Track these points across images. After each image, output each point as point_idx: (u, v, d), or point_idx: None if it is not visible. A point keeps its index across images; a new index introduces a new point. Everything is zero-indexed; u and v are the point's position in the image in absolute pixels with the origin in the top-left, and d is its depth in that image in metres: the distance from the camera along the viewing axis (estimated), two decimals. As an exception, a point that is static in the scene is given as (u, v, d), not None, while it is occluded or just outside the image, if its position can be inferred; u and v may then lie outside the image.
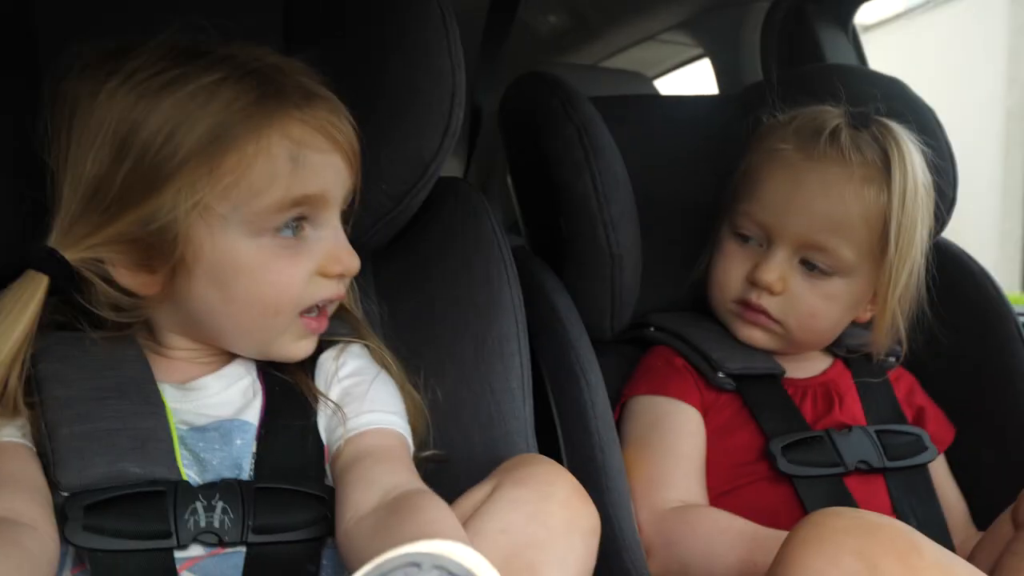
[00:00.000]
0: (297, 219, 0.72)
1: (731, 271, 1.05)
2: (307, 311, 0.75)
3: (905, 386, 1.10)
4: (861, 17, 1.71)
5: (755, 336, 1.05)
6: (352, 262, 0.75)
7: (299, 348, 0.77)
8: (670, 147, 1.29)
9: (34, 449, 0.69)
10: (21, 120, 0.76)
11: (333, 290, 0.76)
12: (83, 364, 0.72)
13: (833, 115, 1.02)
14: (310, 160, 0.71)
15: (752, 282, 1.02)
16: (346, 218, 0.79)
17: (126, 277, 0.71)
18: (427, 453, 0.84)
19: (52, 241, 0.70)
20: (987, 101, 5.10)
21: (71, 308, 0.75)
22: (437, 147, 0.88)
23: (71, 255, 0.70)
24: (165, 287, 0.72)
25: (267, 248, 0.71)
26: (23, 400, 0.69)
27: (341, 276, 0.76)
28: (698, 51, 2.05)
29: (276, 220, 0.70)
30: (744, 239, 1.05)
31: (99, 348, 0.73)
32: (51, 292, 0.70)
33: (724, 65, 1.90)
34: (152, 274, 0.71)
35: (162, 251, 0.69)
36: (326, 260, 0.74)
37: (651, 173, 1.18)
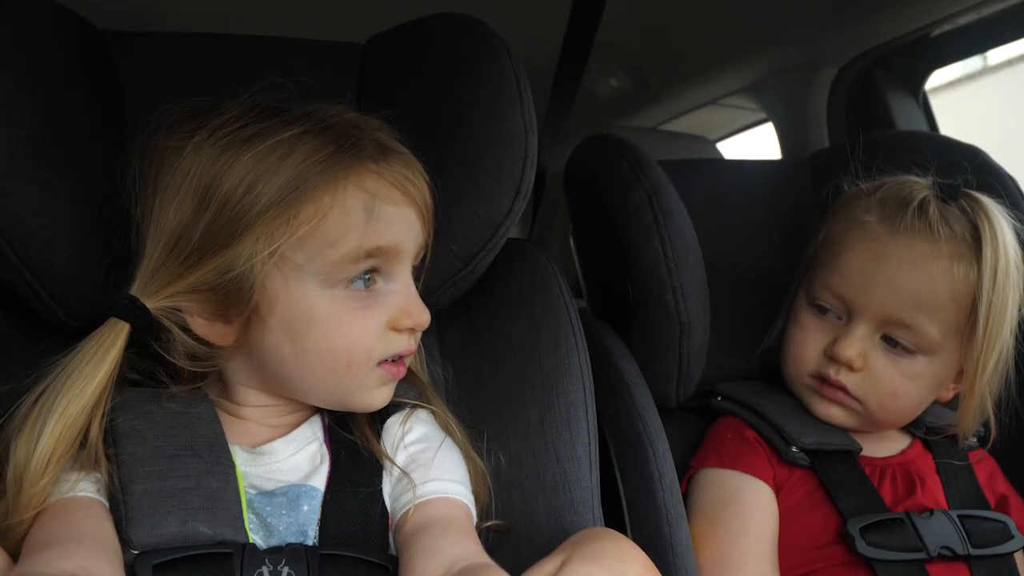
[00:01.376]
0: (369, 271, 0.73)
1: (808, 344, 1.01)
2: (385, 361, 0.75)
3: (987, 470, 1.05)
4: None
5: (833, 413, 1.01)
6: (423, 316, 0.76)
7: (378, 396, 0.77)
8: (733, 212, 1.27)
9: (107, 505, 0.68)
10: (109, 174, 0.78)
11: (404, 344, 0.76)
12: (158, 421, 0.72)
13: (920, 186, 0.99)
14: (384, 212, 0.72)
15: (831, 357, 0.99)
16: (417, 275, 0.79)
17: (203, 327, 0.73)
18: (488, 524, 0.81)
19: (134, 290, 0.72)
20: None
21: (148, 361, 0.76)
22: (508, 209, 0.88)
23: (151, 303, 0.71)
24: (240, 337, 0.73)
25: (340, 300, 0.71)
26: (103, 452, 0.69)
27: (412, 330, 0.76)
28: (761, 115, 2.04)
29: (349, 271, 0.71)
30: (822, 310, 1.01)
31: (174, 405, 0.74)
32: (131, 342, 0.72)
33: (788, 130, 1.89)
34: (228, 324, 0.72)
35: (238, 301, 0.70)
36: (397, 314, 0.74)
37: (714, 238, 1.17)
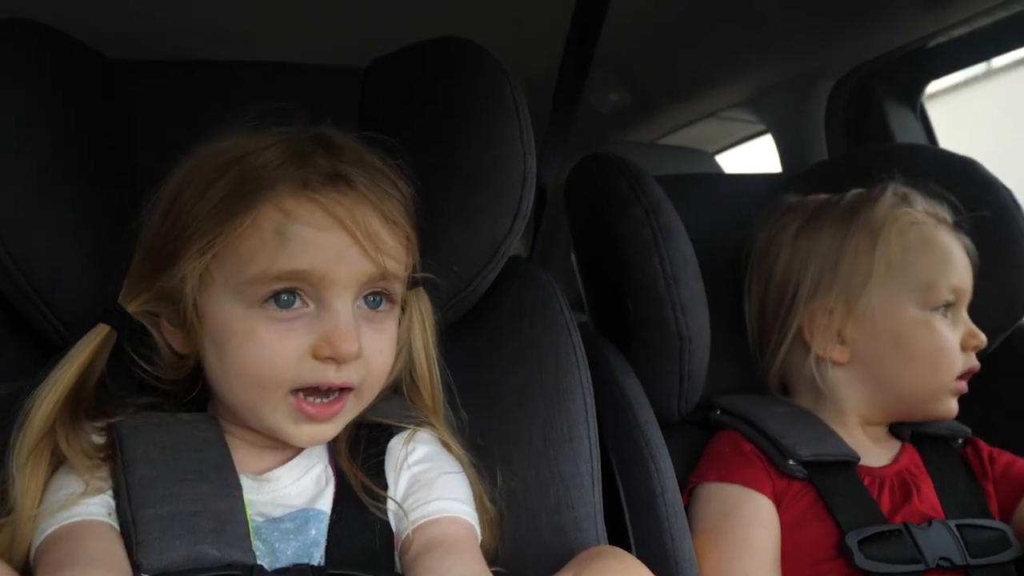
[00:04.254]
0: (289, 293, 0.71)
1: (954, 348, 1.03)
2: (302, 392, 0.73)
3: (983, 454, 1.07)
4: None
5: (955, 406, 1.05)
6: (345, 348, 0.70)
7: (300, 433, 0.74)
8: (732, 226, 1.28)
9: (118, 529, 0.70)
10: (118, 203, 0.81)
11: (321, 375, 0.71)
12: (167, 445, 0.73)
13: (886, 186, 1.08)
14: (299, 235, 0.70)
15: (968, 347, 1.03)
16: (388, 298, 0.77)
17: (168, 333, 0.76)
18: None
19: (120, 296, 0.76)
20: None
21: (155, 386, 0.78)
22: (508, 229, 0.89)
23: (131, 307, 0.75)
24: (193, 347, 0.75)
25: (257, 319, 0.71)
26: (109, 467, 0.72)
27: (331, 360, 0.71)
28: (760, 127, 2.05)
29: (261, 291, 0.70)
30: (947, 307, 1.04)
31: (183, 429, 0.75)
32: (120, 345, 0.76)
33: (787, 142, 1.89)
34: (184, 333, 0.75)
35: (183, 310, 0.73)
36: (318, 341, 0.71)
37: (713, 253, 1.18)
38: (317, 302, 0.72)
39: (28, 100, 0.81)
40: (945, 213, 1.06)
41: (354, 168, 0.74)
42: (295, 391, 0.72)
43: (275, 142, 0.73)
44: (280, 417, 0.73)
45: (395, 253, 0.75)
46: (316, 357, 0.71)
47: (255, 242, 0.70)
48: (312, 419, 0.73)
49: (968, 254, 1.06)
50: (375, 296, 0.75)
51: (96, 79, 0.92)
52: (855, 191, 1.10)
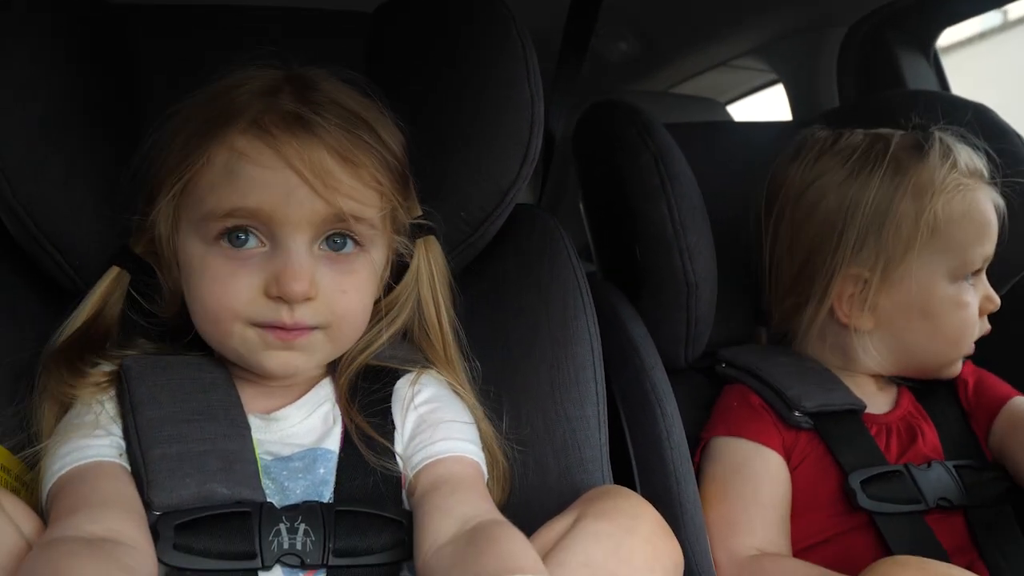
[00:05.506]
0: (242, 231, 0.71)
1: (974, 316, 1.02)
2: (264, 325, 0.72)
3: (960, 387, 1.08)
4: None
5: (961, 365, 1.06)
6: (292, 287, 0.70)
7: (272, 360, 0.73)
8: (742, 174, 1.27)
9: (128, 468, 0.71)
10: (123, 145, 0.82)
11: (272, 314, 0.71)
12: (173, 387, 0.74)
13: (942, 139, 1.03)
14: (245, 172, 0.70)
15: (983, 312, 1.03)
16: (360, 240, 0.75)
17: (166, 270, 0.78)
18: None
19: (131, 240, 0.80)
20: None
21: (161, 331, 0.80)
22: (515, 175, 0.89)
23: (137, 248, 0.79)
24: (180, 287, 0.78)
25: (213, 255, 0.72)
26: (117, 408, 0.74)
27: (280, 300, 0.71)
28: (772, 76, 2.03)
29: (215, 228, 0.71)
30: (970, 277, 1.02)
31: (190, 371, 0.76)
32: (132, 283, 0.80)
33: (799, 91, 1.87)
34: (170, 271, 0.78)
35: (163, 249, 0.77)
36: (268, 279, 0.71)
37: (721, 200, 1.16)
38: (272, 241, 0.72)
39: (32, 45, 0.80)
40: (983, 167, 1.03)
41: (319, 109, 0.72)
42: (256, 326, 0.72)
43: (250, 83, 0.74)
44: (246, 347, 0.73)
45: (356, 194, 0.73)
46: (267, 296, 0.71)
47: (208, 180, 0.71)
48: (283, 347, 0.73)
49: (998, 213, 1.03)
50: (340, 237, 0.74)
51: (99, 23, 0.91)
52: (901, 136, 1.04)
